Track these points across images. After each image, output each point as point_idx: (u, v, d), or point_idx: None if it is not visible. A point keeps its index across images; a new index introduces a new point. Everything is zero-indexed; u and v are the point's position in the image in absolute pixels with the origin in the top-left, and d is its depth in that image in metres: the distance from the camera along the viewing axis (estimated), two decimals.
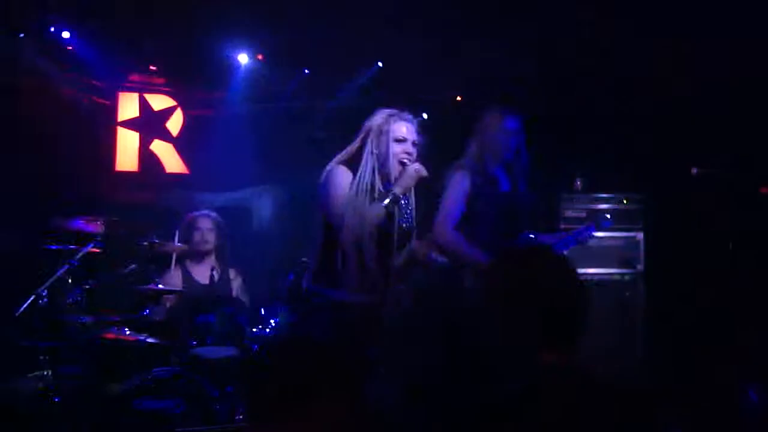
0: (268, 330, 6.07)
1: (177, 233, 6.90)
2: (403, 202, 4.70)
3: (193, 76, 8.80)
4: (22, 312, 6.00)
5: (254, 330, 6.09)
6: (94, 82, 8.54)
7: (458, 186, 5.44)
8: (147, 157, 8.86)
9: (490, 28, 7.44)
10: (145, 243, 6.31)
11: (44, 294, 5.97)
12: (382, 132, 4.69)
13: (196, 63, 8.59)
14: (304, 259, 6.50)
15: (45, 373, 6.24)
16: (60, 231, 6.24)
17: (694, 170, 6.15)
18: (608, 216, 6.35)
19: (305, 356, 2.86)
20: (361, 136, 4.76)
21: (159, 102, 8.94)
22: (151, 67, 8.75)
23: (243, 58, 8.46)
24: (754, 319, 6.54)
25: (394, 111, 4.78)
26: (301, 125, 8.58)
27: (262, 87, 8.60)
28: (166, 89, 8.98)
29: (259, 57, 8.52)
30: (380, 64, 8.56)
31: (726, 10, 6.42)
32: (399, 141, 4.67)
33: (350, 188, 4.59)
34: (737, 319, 6.73)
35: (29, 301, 6.03)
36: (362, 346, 4.58)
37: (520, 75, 8.05)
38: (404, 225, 4.73)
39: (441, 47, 7.89)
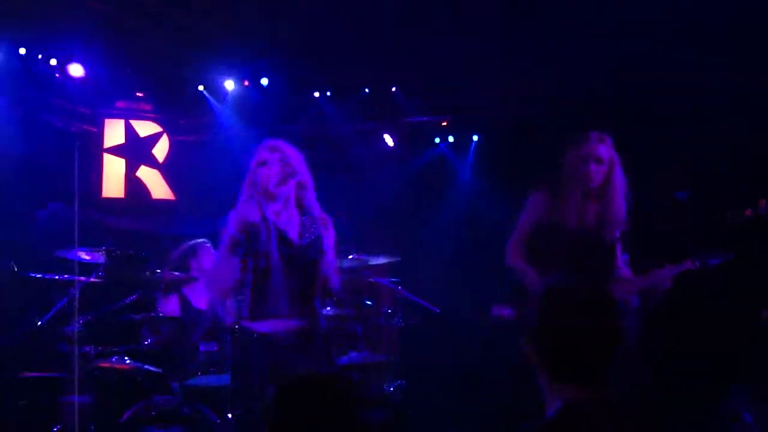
0: None
1: (172, 259, 6.92)
2: (282, 219, 4.86)
3: (179, 102, 8.85)
4: (23, 342, 6.03)
5: None
6: (80, 108, 8.55)
7: (531, 207, 5.46)
8: (133, 184, 8.87)
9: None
10: (147, 273, 6.34)
11: (45, 324, 6.00)
12: (250, 165, 4.90)
13: (183, 89, 8.67)
14: None
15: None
16: (61, 262, 6.25)
17: (680, 194, 6.20)
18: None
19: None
20: None
21: (145, 128, 8.95)
22: (138, 94, 8.79)
23: (229, 84, 8.58)
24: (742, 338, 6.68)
25: (265, 141, 4.99)
26: None
27: (251, 112, 8.65)
28: (153, 115, 9.00)
29: (245, 83, 8.63)
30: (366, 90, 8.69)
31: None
32: (260, 164, 4.85)
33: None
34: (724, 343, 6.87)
35: (28, 331, 6.08)
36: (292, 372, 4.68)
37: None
38: (302, 242, 4.86)
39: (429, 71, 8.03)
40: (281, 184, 4.83)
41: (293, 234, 4.84)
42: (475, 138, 9.52)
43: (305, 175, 4.96)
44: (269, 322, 4.74)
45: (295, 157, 4.94)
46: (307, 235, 4.87)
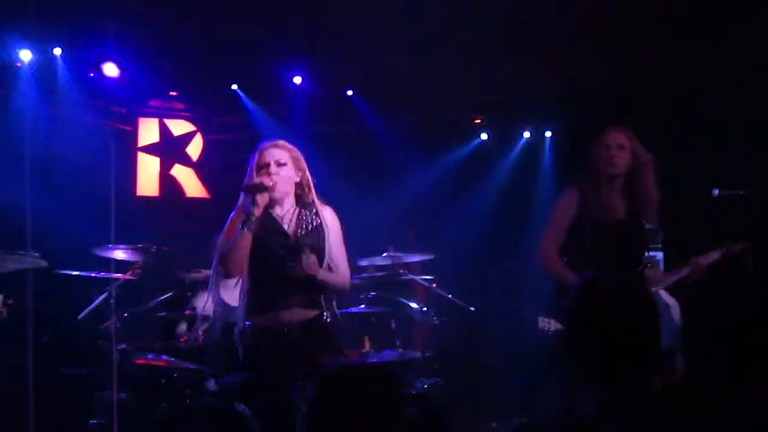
0: None
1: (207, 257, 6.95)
2: (276, 212, 4.88)
3: (212, 101, 8.90)
4: (61, 339, 6.09)
5: None
6: (114, 108, 8.61)
7: (562, 205, 5.50)
8: (168, 182, 8.95)
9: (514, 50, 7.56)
10: (182, 271, 6.38)
11: (83, 322, 6.06)
12: (250, 165, 4.91)
13: (216, 88, 8.72)
14: None
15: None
16: (99, 259, 6.32)
17: (715, 191, 6.17)
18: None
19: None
20: None
21: (179, 127, 9.04)
22: (172, 93, 8.84)
23: (262, 84, 8.62)
24: None
25: (263, 143, 5.01)
26: (323, 148, 8.65)
27: (284, 111, 8.68)
28: (186, 114, 9.07)
29: (279, 82, 8.66)
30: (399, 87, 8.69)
31: None
32: (261, 167, 4.85)
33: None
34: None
35: (67, 328, 6.15)
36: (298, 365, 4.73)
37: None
38: (298, 233, 4.86)
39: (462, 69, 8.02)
40: (282, 186, 4.85)
41: (290, 227, 4.87)
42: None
43: (306, 173, 4.99)
44: (273, 314, 4.77)
45: (295, 158, 4.96)
46: (304, 226, 4.89)
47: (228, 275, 4.96)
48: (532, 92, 8.37)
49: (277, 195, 4.83)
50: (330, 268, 4.91)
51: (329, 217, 4.98)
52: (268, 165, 4.83)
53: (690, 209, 7.46)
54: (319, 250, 4.86)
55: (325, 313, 4.93)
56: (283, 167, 4.86)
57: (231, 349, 6.05)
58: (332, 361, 4.82)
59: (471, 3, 7.09)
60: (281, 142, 5.01)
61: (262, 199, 4.70)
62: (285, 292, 4.79)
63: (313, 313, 4.86)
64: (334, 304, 5.10)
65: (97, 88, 8.20)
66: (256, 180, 4.75)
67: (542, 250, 5.47)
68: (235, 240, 4.70)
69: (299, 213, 4.92)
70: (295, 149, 4.99)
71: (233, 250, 4.72)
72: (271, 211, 4.86)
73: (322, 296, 4.94)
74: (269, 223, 4.82)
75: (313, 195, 4.97)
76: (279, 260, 4.79)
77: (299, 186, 4.94)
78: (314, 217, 4.93)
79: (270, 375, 4.76)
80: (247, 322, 4.86)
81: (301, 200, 4.96)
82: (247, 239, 4.70)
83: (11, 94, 7.59)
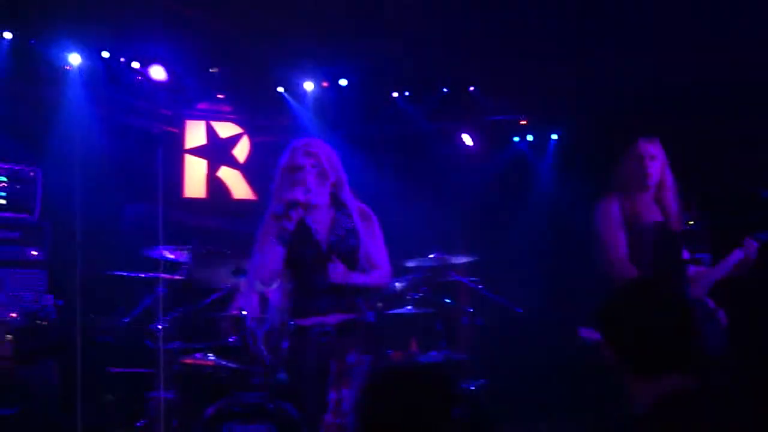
0: None
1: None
2: (309, 219, 4.73)
3: (259, 104, 8.94)
4: (111, 338, 6.16)
5: None
6: (162, 110, 8.68)
7: (610, 216, 5.48)
8: (214, 184, 9.00)
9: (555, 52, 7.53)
10: (230, 271, 6.42)
11: (132, 321, 6.12)
12: (281, 163, 4.81)
13: (263, 91, 8.76)
14: None
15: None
16: (148, 260, 6.38)
17: (765, 193, 6.13)
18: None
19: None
20: None
21: (226, 129, 9.09)
22: (218, 96, 8.90)
23: (309, 86, 8.64)
24: None
25: (294, 142, 4.88)
26: (369, 151, 8.67)
27: (331, 113, 8.70)
28: (233, 117, 9.12)
29: (324, 84, 8.69)
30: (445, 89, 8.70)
31: None
32: (295, 169, 4.70)
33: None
34: None
35: (116, 328, 6.21)
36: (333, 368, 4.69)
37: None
38: (331, 237, 4.74)
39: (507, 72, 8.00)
40: (315, 192, 4.69)
41: (323, 231, 4.76)
42: (554, 136, 9.48)
43: (340, 172, 4.81)
44: (311, 318, 4.72)
45: (328, 158, 4.77)
46: (338, 229, 4.78)
47: (265, 285, 4.91)
48: (568, 93, 8.33)
49: (310, 200, 4.65)
50: (367, 269, 4.83)
51: (364, 217, 4.86)
52: (301, 168, 4.70)
53: (732, 209, 7.40)
54: (353, 254, 4.77)
55: (363, 315, 4.85)
56: (316, 170, 4.71)
57: (278, 348, 6.11)
58: (380, 362, 4.79)
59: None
60: (313, 141, 4.88)
61: (296, 213, 4.59)
62: (320, 298, 4.72)
63: (351, 316, 4.77)
64: (379, 304, 5.05)
65: (144, 91, 8.29)
66: (289, 197, 4.60)
67: (612, 257, 5.40)
68: (270, 254, 4.66)
69: (333, 216, 4.80)
70: (328, 147, 4.84)
71: (269, 263, 4.65)
72: (304, 218, 4.72)
73: (360, 299, 4.84)
74: (302, 232, 4.70)
75: (348, 194, 4.84)
76: (311, 270, 4.70)
77: (333, 186, 4.79)
78: (348, 219, 4.81)
79: (307, 376, 4.72)
80: (291, 322, 4.84)
81: (335, 201, 4.82)
82: (281, 252, 4.62)
83: (60, 98, 7.68)
